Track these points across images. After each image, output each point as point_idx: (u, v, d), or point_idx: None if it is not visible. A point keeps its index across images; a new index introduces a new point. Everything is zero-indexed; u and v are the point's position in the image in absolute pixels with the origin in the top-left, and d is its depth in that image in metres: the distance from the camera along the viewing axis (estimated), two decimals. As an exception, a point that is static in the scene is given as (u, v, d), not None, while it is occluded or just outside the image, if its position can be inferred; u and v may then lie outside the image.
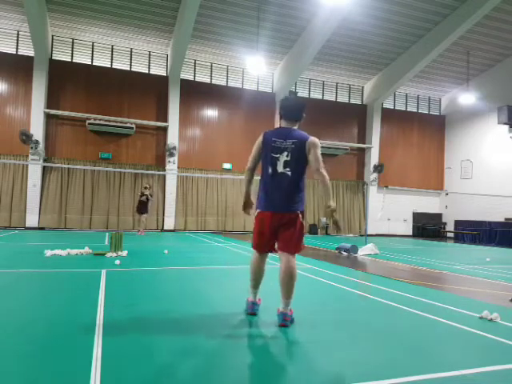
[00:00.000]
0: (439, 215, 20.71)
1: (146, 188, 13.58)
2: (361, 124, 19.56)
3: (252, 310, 3.36)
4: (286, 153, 3.17)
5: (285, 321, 3.07)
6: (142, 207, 13.43)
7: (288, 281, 3.08)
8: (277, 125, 18.63)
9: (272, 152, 3.21)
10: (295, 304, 3.21)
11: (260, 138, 3.33)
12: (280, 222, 3.17)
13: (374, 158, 19.18)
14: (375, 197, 18.46)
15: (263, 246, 3.28)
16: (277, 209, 3.17)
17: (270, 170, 3.20)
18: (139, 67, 16.68)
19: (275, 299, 3.17)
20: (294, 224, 3.16)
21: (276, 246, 3.30)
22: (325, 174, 3.14)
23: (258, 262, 3.32)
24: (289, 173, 3.16)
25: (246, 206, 3.46)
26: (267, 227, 3.20)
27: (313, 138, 3.22)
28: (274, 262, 7.06)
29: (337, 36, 15.42)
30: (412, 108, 20.67)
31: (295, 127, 3.32)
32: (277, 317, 3.13)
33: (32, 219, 14.72)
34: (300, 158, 3.18)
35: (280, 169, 3.18)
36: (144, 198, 13.38)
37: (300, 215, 3.21)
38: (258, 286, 3.38)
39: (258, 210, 3.30)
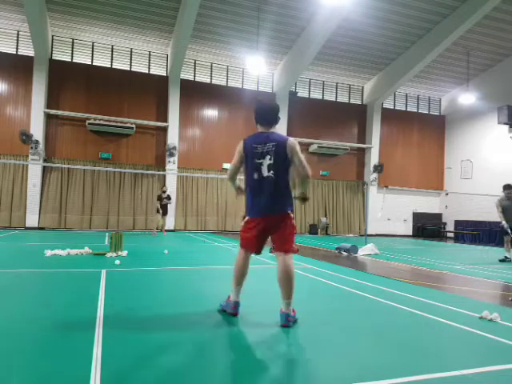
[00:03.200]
0: (439, 215, 20.70)
1: (164, 191, 14.20)
2: (361, 124, 19.56)
3: (235, 310, 3.34)
4: (268, 156, 3.25)
5: (287, 321, 3.09)
6: (166, 209, 14.09)
7: (286, 280, 3.14)
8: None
9: (255, 158, 3.28)
10: (296, 304, 3.21)
11: (241, 146, 3.39)
12: (272, 224, 3.27)
13: (373, 157, 19.18)
14: (375, 197, 18.46)
15: (255, 247, 3.36)
16: (267, 212, 3.26)
17: (255, 176, 3.28)
18: (139, 67, 16.68)
19: (273, 299, 3.16)
20: (285, 224, 3.26)
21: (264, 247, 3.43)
22: (309, 172, 3.25)
23: (244, 259, 3.37)
24: (273, 175, 3.24)
25: (239, 193, 3.60)
26: (260, 231, 3.29)
27: (291, 139, 3.31)
28: (271, 262, 7.07)
29: (337, 36, 15.41)
30: (412, 108, 20.66)
31: (272, 130, 3.39)
32: (279, 316, 3.13)
33: (32, 219, 14.72)
34: (282, 160, 3.25)
35: (265, 173, 3.25)
36: (167, 201, 14.02)
37: (291, 215, 3.31)
38: (242, 283, 3.38)
39: (247, 217, 3.39)
